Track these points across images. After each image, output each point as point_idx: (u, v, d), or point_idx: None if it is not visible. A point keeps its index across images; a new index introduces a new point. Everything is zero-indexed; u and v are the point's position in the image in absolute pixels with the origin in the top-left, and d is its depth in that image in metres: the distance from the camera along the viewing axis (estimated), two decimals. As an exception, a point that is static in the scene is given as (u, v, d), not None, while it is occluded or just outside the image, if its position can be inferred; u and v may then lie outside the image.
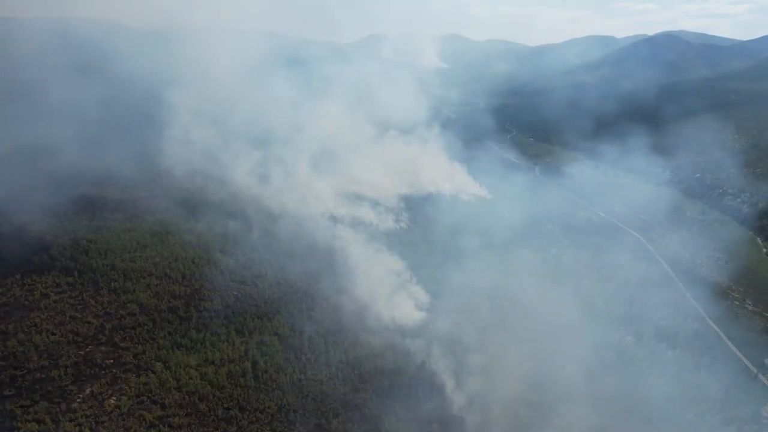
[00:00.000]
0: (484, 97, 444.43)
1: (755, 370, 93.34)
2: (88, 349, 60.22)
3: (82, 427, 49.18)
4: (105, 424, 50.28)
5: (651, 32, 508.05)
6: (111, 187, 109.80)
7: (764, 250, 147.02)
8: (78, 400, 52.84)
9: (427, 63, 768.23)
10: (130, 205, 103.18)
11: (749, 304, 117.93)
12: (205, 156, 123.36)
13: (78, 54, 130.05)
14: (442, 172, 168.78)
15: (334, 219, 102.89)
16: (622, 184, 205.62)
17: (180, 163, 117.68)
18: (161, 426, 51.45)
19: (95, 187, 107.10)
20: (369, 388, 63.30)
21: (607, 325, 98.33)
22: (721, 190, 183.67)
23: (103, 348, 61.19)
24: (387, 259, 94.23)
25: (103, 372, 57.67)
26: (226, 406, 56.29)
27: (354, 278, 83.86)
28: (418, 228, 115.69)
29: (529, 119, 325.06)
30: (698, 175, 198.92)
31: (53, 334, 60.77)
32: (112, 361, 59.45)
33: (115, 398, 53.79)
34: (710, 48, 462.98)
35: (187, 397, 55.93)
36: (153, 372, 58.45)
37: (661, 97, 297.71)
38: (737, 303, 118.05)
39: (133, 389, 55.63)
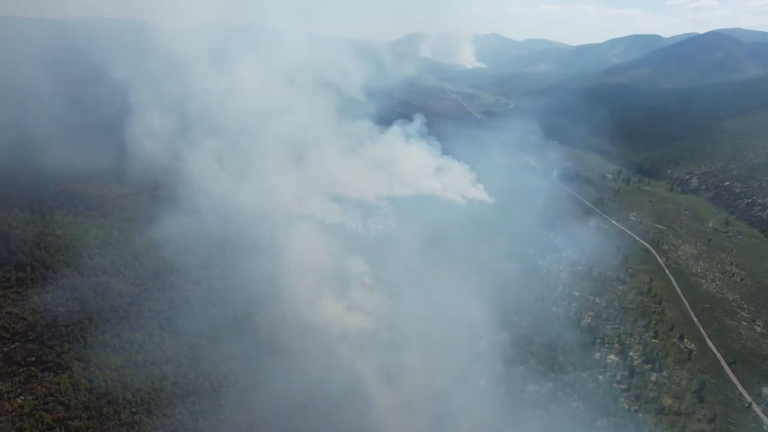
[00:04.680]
0: (516, 97, 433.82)
1: (749, 399, 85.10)
2: (13, 346, 60.69)
3: (-25, 427, 49.25)
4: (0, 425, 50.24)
5: (704, 31, 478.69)
6: (96, 183, 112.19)
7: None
8: (-17, 398, 53.17)
9: (464, 62, 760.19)
10: (109, 201, 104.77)
11: (759, 325, 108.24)
12: (196, 155, 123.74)
13: (70, 53, 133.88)
14: (445, 175, 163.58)
15: (308, 220, 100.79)
16: (643, 191, 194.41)
17: (170, 162, 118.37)
18: (58, 428, 50.91)
19: (80, 183, 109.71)
20: (296, 399, 60.86)
21: (598, 347, 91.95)
22: (749, 200, 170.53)
23: (29, 345, 61.52)
24: (354, 264, 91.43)
25: (21, 370, 57.88)
26: (133, 410, 55.29)
27: (311, 283, 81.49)
28: (394, 231, 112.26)
29: (556, 121, 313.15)
30: (727, 182, 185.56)
31: (-18, 329, 61.65)
32: (33, 359, 59.64)
33: (22, 398, 53.76)
34: (763, 46, 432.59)
35: (95, 399, 55.30)
36: (71, 371, 58.22)
37: (698, 99, 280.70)
38: (745, 323, 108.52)
39: (44, 389, 55.49)
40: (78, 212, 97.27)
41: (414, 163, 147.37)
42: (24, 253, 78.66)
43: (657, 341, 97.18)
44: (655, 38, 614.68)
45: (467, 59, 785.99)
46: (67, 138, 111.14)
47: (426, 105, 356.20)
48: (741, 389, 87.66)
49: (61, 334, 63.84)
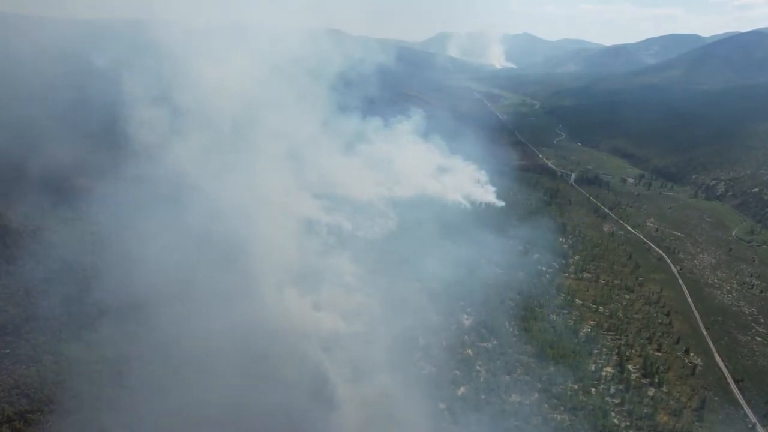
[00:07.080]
0: (544, 97, 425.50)
1: (754, 420, 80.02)
2: (-10, 338, 62.35)
3: (-63, 418, 50.49)
4: (-38, 415, 51.44)
5: (748, 29, 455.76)
6: (103, 180, 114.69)
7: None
8: (-49, 389, 54.56)
9: (493, 62, 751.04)
10: (112, 198, 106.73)
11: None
12: (197, 154, 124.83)
13: (71, 51, 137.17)
14: (454, 176, 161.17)
15: (299, 221, 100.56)
16: (664, 196, 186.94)
17: (169, 159, 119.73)
18: (17, 422, 51.82)
19: (84, 179, 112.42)
20: (253, 398, 60.34)
21: (594, 358, 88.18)
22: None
23: (7, 338, 63.06)
24: (342, 263, 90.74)
25: (-7, 362, 59.38)
26: (97, 404, 55.84)
27: (292, 283, 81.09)
28: (392, 232, 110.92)
29: (581, 122, 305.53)
30: (756, 189, 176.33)
31: (-40, 322, 63.44)
32: (8, 351, 61.06)
33: (-10, 389, 55.04)
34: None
35: (59, 393, 56.10)
36: (42, 364, 59.30)
37: (732, 101, 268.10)
38: (759, 338, 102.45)
39: (12, 381, 56.63)
40: (81, 208, 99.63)
41: (421, 163, 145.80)
42: (18, 247, 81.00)
43: (660, 354, 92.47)
44: (693, 38, 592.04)
45: (496, 59, 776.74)
46: (72, 135, 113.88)
47: (448, 105, 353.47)
48: (746, 409, 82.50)
49: (40, 328, 65.21)
